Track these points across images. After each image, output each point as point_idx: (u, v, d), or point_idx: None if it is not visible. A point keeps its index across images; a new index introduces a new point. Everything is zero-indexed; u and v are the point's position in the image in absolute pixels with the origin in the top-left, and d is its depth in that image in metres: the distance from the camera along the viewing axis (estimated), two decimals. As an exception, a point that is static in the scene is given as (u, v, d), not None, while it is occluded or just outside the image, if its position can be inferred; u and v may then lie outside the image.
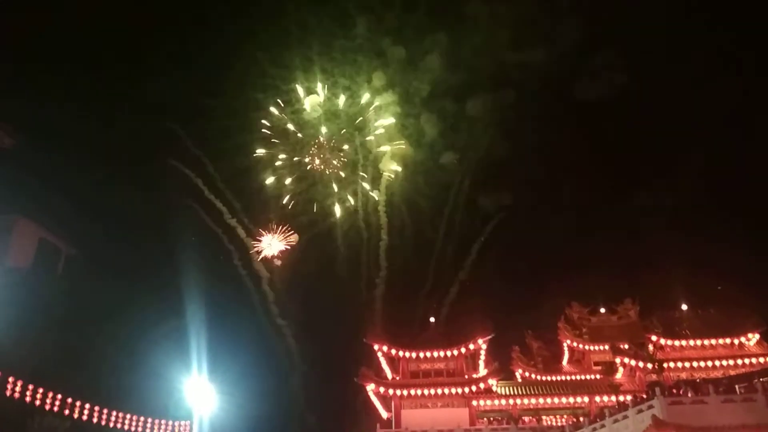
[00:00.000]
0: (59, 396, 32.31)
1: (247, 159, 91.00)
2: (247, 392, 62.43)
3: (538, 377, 60.56)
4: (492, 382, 54.20)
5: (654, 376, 49.11)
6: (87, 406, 34.34)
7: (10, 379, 29.65)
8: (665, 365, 50.21)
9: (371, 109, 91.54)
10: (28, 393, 30.37)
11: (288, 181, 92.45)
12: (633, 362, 52.58)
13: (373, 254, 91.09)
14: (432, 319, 59.92)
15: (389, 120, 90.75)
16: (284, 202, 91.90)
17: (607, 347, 57.68)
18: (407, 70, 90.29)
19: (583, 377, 58.86)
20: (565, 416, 54.57)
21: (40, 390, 31.21)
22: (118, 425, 37.87)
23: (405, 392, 54.82)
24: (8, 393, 29.26)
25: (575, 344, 62.70)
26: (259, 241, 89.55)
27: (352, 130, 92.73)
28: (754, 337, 53.27)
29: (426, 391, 54.57)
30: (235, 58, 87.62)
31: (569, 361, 63.77)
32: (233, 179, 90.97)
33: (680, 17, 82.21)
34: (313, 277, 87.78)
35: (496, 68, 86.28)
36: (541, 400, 53.91)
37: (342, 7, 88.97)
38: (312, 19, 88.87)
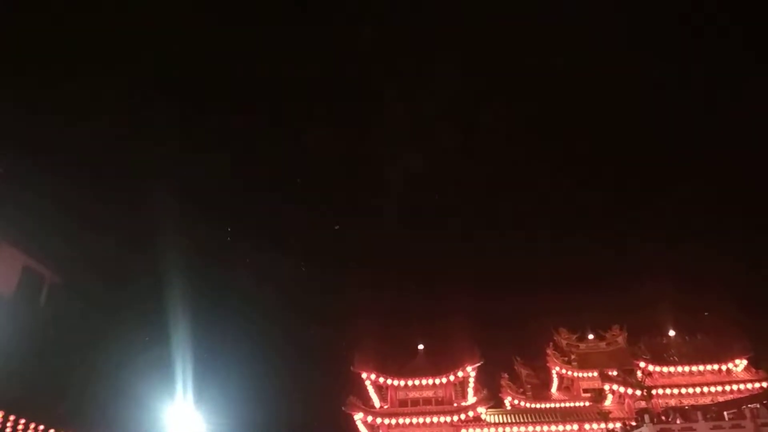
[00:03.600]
0: (41, 426, 31.64)
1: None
2: (233, 420, 61.55)
3: (528, 405, 60.30)
4: (481, 410, 53.86)
5: (643, 403, 49.01)
6: (69, 436, 33.65)
7: (-9, 410, 29.05)
8: (654, 392, 50.16)
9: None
10: (9, 423, 29.71)
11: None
12: (622, 389, 52.50)
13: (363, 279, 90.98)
14: (420, 347, 59.56)
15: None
16: None
17: (595, 374, 57.57)
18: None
19: (572, 404, 58.64)
20: (554, 444, 54.39)
21: (22, 420, 30.55)
22: (101, 456, 37.18)
23: (393, 421, 54.33)
24: (-12, 424, 28.63)
25: (564, 371, 62.55)
26: None
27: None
28: (741, 363, 53.36)
29: (414, 420, 54.12)
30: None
31: (558, 388, 63.54)
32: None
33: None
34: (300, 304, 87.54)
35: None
36: (530, 428, 53.47)
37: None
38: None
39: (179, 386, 50.31)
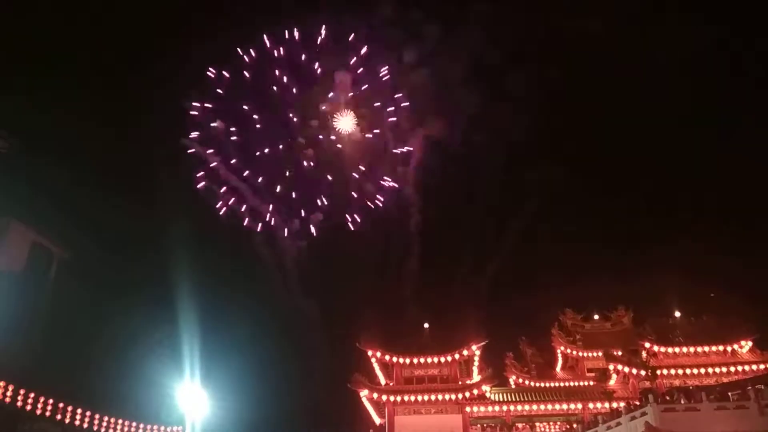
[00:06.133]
0: (51, 401, 32.02)
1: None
2: (240, 398, 62.09)
3: (532, 384, 60.55)
4: (485, 388, 54.22)
5: (647, 383, 49.18)
6: (79, 411, 34.04)
7: (1, 384, 29.42)
8: (658, 372, 50.26)
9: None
10: (19, 398, 30.09)
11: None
12: (626, 369, 52.66)
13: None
14: (426, 325, 59.84)
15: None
16: None
17: (600, 354, 57.70)
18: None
19: (576, 384, 58.89)
20: (558, 423, 55.00)
21: (32, 395, 30.93)
22: (110, 430, 37.55)
23: (398, 398, 54.75)
24: (-1, 397, 29.07)
25: (569, 351, 62.78)
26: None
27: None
28: (746, 345, 53.37)
29: (419, 397, 54.52)
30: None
31: (563, 368, 63.82)
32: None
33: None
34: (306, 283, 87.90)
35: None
36: (534, 407, 53.95)
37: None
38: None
39: (187, 364, 50.73)
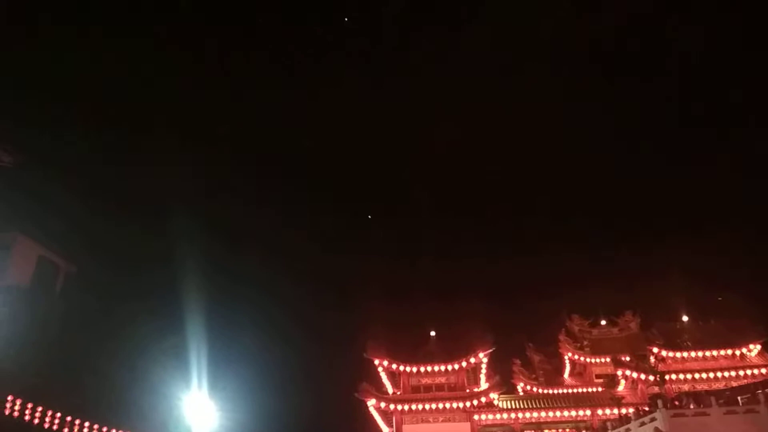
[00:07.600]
0: (58, 414, 31.97)
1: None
2: (247, 408, 61.83)
3: (540, 390, 60.40)
4: (493, 395, 54.06)
5: (656, 389, 48.95)
6: (86, 423, 33.96)
7: (9, 398, 29.36)
8: (667, 377, 50.02)
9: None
10: (27, 411, 30.05)
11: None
12: (635, 374, 52.46)
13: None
14: (432, 333, 59.72)
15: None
16: None
17: (608, 360, 57.64)
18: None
19: (584, 390, 58.71)
20: (567, 430, 54.70)
21: (39, 408, 30.87)
22: (118, 443, 37.61)
23: (406, 407, 54.62)
24: (7, 412, 28.96)
25: (576, 357, 62.61)
26: None
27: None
28: (755, 348, 53.15)
29: (427, 406, 54.38)
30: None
31: (571, 374, 63.61)
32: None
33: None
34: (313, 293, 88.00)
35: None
36: (543, 414, 53.77)
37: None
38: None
39: (194, 374, 50.73)
